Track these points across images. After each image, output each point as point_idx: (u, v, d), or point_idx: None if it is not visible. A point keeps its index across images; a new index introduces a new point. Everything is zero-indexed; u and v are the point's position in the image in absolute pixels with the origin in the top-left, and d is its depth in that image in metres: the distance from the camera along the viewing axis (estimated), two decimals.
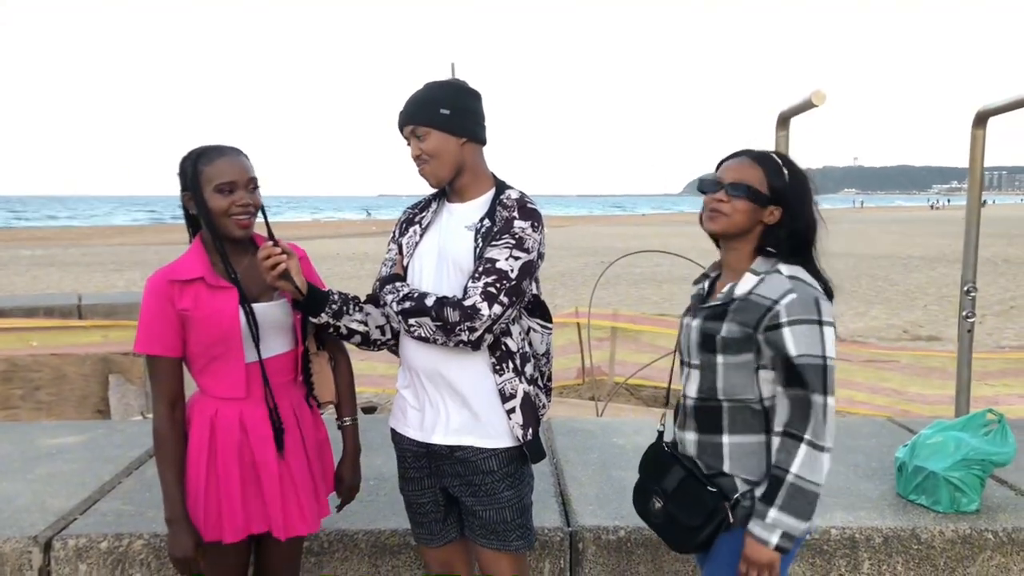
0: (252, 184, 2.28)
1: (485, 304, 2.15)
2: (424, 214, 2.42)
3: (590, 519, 3.15)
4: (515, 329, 2.30)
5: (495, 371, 2.28)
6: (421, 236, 2.38)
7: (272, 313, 2.34)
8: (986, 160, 4.59)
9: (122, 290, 17.08)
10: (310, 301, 2.29)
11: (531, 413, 2.31)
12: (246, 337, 2.28)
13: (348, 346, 2.52)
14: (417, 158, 2.29)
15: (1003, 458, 3.23)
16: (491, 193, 2.34)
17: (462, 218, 2.33)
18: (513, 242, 2.21)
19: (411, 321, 2.21)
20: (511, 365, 2.28)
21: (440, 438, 2.32)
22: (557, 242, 32.68)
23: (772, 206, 2.11)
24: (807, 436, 1.98)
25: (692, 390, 2.18)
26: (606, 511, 3.22)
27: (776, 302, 2.01)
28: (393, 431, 2.47)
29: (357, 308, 2.39)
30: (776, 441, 2.04)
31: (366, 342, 2.42)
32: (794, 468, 1.98)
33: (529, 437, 2.30)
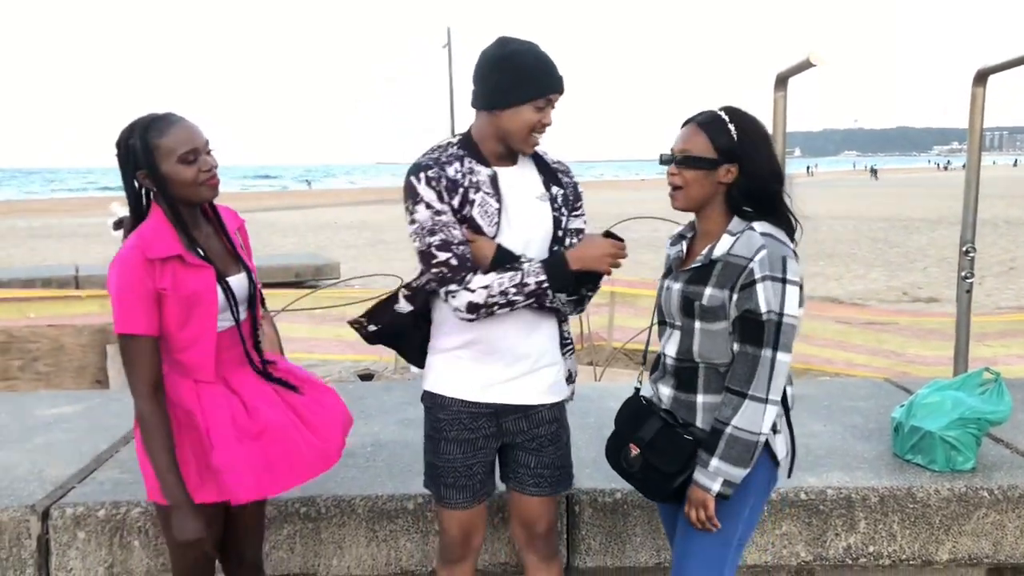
0: (208, 146, 2.25)
1: None
2: (469, 177, 2.27)
3: (587, 482, 3.15)
4: None
5: (561, 331, 2.47)
6: (499, 205, 2.29)
7: (241, 286, 2.34)
8: (987, 120, 4.54)
9: None
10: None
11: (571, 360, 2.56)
12: (222, 312, 2.28)
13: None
14: (544, 127, 2.28)
15: (999, 416, 3.23)
16: (528, 156, 2.38)
17: (525, 185, 2.35)
18: (584, 210, 2.47)
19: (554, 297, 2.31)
20: (566, 322, 2.51)
21: (535, 398, 2.40)
22: None
23: (726, 165, 2.13)
24: (750, 392, 2.08)
25: (672, 350, 2.25)
26: (603, 474, 3.21)
27: (750, 260, 2.07)
28: (441, 396, 2.41)
29: None
30: (722, 396, 2.14)
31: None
32: (734, 421, 2.08)
33: (574, 380, 2.54)
